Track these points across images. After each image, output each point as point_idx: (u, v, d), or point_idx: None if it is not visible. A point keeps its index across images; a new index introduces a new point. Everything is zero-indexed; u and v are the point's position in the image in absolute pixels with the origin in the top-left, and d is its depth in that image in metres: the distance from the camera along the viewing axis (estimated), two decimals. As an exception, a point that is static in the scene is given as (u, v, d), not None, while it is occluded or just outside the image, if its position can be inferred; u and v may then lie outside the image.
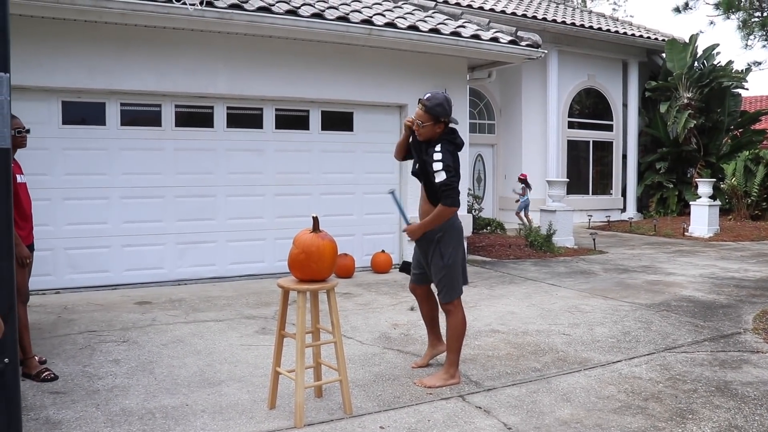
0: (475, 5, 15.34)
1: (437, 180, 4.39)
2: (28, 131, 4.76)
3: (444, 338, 4.87)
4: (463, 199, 10.13)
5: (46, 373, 4.54)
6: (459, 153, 4.62)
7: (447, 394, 4.40)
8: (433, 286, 4.84)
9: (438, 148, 4.44)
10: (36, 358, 4.71)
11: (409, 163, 4.94)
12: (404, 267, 5.52)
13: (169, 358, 5.13)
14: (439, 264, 4.55)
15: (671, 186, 17.81)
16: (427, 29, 8.97)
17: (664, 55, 18.15)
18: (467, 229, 10.10)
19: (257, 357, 5.17)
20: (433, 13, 10.45)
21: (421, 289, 4.92)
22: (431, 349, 5.04)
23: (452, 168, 4.41)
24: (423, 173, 4.58)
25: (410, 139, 4.76)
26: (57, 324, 6.11)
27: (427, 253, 4.64)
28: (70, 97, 7.73)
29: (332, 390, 4.38)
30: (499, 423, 3.91)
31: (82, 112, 7.87)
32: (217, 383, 4.56)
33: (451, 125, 4.61)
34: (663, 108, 17.43)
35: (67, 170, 7.71)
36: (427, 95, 4.52)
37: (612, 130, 18.35)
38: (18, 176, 4.59)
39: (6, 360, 2.25)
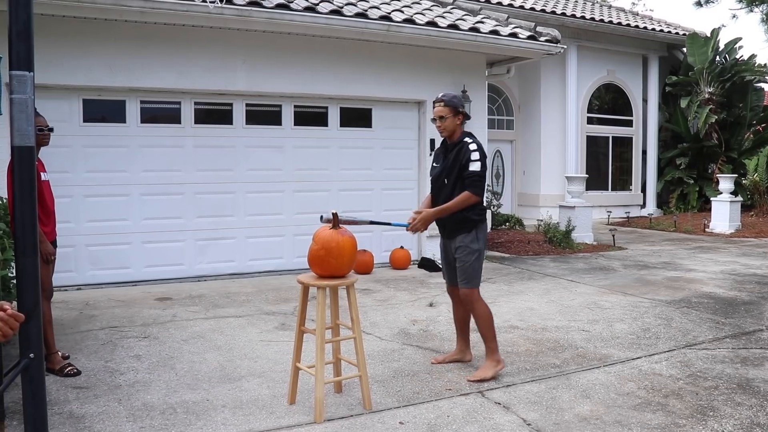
0: (494, 0, 15.27)
1: (471, 168, 4.54)
2: (51, 130, 4.81)
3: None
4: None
5: (69, 368, 4.60)
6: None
7: (466, 389, 4.40)
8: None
9: (470, 140, 4.64)
10: (59, 353, 4.77)
11: (428, 160, 5.00)
12: (423, 263, 5.54)
13: (189, 353, 5.17)
14: (473, 247, 4.64)
15: (692, 182, 17.61)
16: (445, 25, 8.95)
17: (684, 49, 17.92)
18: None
19: (277, 353, 5.20)
20: (452, 8, 10.42)
21: (459, 291, 4.91)
22: (459, 354, 5.02)
23: (484, 166, 4.60)
24: (450, 172, 4.65)
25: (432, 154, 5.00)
26: (79, 320, 6.18)
27: (455, 244, 4.69)
28: (91, 95, 7.81)
29: (352, 385, 4.40)
30: (518, 419, 3.91)
31: (102, 110, 7.94)
32: (237, 378, 4.60)
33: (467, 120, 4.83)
34: (684, 103, 17.23)
35: (88, 168, 7.79)
36: (440, 94, 4.78)
37: (632, 126, 18.19)
38: (41, 174, 4.65)
39: (31, 355, 2.27)
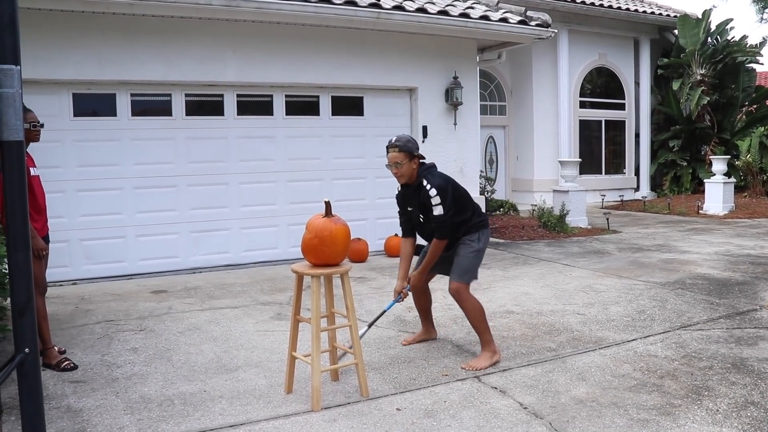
0: (484, -14, 15.19)
1: (434, 213, 4.61)
2: (42, 125, 4.77)
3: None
4: (476, 181, 10.11)
5: (65, 362, 4.60)
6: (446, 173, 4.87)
7: (462, 375, 4.42)
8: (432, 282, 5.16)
9: (426, 182, 4.63)
10: (55, 348, 4.77)
11: (420, 147, 5.01)
12: (417, 250, 5.55)
13: (186, 345, 5.18)
14: (475, 245, 4.73)
15: (685, 164, 17.63)
16: (435, 11, 8.92)
17: (676, 31, 17.90)
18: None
19: (273, 342, 5.21)
20: (441, -6, 10.37)
21: (448, 285, 5.03)
22: (425, 335, 5.27)
23: (449, 204, 4.60)
24: (423, 212, 4.74)
25: (400, 203, 5.02)
26: (75, 314, 6.17)
27: (457, 242, 4.76)
28: (81, 89, 7.76)
29: (348, 373, 4.42)
30: (515, 403, 3.92)
31: (92, 104, 7.91)
32: (234, 369, 4.61)
33: (422, 160, 4.80)
34: (676, 85, 17.23)
35: (79, 162, 7.76)
36: (393, 139, 4.70)
37: (624, 109, 18.19)
38: (31, 169, 4.62)
39: (26, 350, 2.27)
